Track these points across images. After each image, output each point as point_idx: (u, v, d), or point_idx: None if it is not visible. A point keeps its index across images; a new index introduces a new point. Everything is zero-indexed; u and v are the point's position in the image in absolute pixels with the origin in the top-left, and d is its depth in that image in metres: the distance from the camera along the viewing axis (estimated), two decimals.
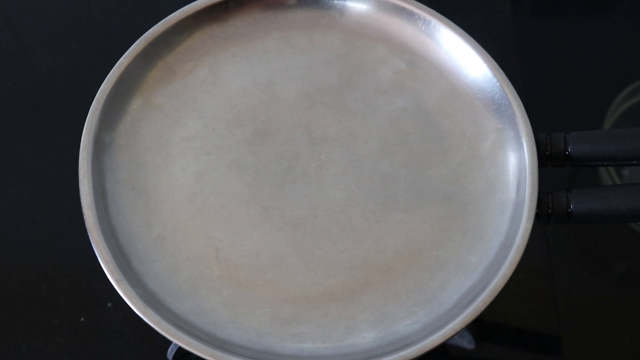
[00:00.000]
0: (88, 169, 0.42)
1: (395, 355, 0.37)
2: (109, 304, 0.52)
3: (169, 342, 0.49)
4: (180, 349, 0.48)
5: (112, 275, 0.39)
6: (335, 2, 0.48)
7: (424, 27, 0.47)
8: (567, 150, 0.43)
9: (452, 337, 0.38)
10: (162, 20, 0.46)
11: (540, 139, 0.43)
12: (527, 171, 0.42)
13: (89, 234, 0.40)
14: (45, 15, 0.68)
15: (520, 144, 0.43)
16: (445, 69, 0.46)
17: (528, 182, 0.41)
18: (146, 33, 0.46)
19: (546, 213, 0.42)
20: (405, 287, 0.40)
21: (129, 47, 0.46)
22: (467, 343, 0.53)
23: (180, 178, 0.43)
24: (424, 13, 0.46)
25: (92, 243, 0.40)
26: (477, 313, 0.38)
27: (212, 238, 0.41)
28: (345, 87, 0.46)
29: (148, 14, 0.67)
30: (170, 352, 0.49)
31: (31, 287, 0.53)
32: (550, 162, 0.44)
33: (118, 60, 0.45)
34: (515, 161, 0.43)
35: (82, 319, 0.52)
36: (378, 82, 0.46)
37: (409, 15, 0.47)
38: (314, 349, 0.38)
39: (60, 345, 0.51)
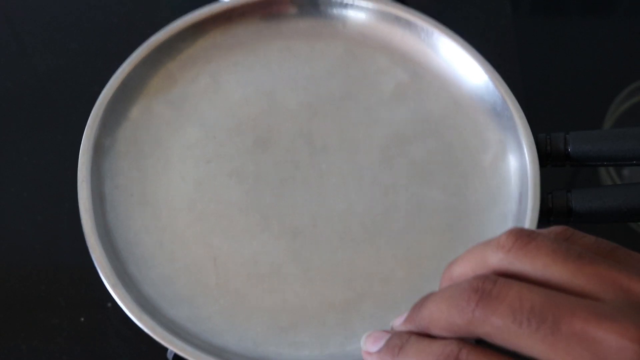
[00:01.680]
0: (87, 174, 0.42)
1: None
2: (109, 304, 0.52)
3: None
4: None
5: (108, 280, 0.39)
6: (338, 12, 0.48)
7: (426, 38, 0.47)
8: (567, 150, 0.43)
9: None
10: (165, 28, 0.46)
11: (540, 139, 0.43)
12: (530, 182, 0.41)
13: (86, 238, 0.40)
14: (45, 15, 0.68)
15: (522, 155, 0.43)
16: (448, 80, 0.46)
17: (530, 193, 0.41)
18: (148, 40, 0.46)
19: (546, 213, 0.42)
20: (405, 297, 0.40)
21: (130, 50, 0.45)
22: None
23: (179, 185, 0.43)
24: (426, 24, 0.46)
25: (89, 248, 0.40)
26: None
27: (211, 246, 0.41)
28: (347, 98, 0.46)
29: (148, 13, 0.67)
30: (170, 353, 0.49)
31: (31, 287, 0.53)
32: (550, 162, 0.43)
33: (118, 61, 0.45)
34: (517, 172, 0.43)
35: (82, 319, 0.52)
36: (380, 93, 0.46)
37: (411, 26, 0.47)
38: (311, 358, 0.38)
39: (60, 345, 0.51)
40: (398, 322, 0.34)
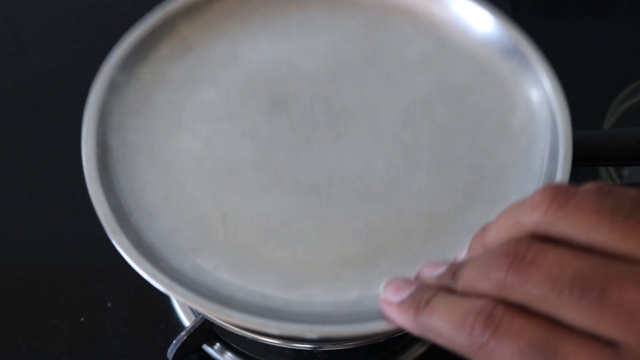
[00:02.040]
0: (93, 127, 0.41)
1: None
2: (109, 304, 0.52)
3: (169, 342, 0.48)
4: (180, 348, 0.48)
5: (108, 225, 0.37)
6: None
7: (452, 7, 0.46)
8: None
9: None
10: None
11: None
12: (560, 139, 0.40)
13: (87, 186, 0.39)
14: (45, 15, 0.68)
15: (552, 114, 0.41)
16: (474, 48, 0.45)
17: (561, 150, 0.40)
18: (165, 5, 0.45)
19: None
20: (426, 252, 0.38)
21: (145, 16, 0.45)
22: None
23: (189, 143, 0.42)
24: None
25: (90, 196, 0.38)
26: None
27: (220, 200, 0.40)
28: (368, 64, 0.45)
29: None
30: (170, 352, 0.49)
31: (31, 287, 0.53)
32: None
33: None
34: (548, 132, 0.41)
35: (82, 319, 0.52)
36: (403, 59, 0.45)
37: None
38: (324, 312, 0.36)
39: (60, 345, 0.51)
40: (428, 273, 0.30)
